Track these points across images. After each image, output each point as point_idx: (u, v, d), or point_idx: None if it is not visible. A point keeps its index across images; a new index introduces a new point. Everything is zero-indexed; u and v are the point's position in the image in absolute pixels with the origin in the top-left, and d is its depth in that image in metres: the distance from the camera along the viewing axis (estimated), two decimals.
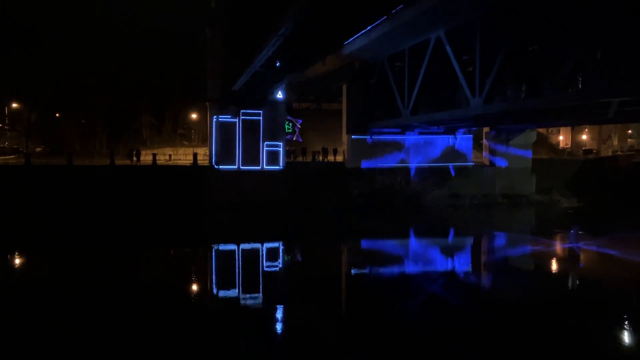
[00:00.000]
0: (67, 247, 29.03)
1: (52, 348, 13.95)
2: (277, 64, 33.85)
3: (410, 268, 25.68)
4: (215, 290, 21.17)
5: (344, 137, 47.02)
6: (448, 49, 31.42)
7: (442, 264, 26.99)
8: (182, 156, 56.44)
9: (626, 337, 15.46)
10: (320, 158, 49.69)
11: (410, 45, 36.51)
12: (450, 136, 47.51)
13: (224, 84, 44.33)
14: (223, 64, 44.38)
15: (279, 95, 45.40)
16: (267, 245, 31.07)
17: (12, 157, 57.11)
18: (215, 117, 45.11)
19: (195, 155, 47.41)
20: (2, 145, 68.69)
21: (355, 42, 37.56)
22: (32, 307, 17.56)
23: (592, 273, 24.87)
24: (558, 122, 44.40)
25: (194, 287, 21.52)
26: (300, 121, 58.45)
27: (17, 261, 26.48)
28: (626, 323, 16.48)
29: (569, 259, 28.17)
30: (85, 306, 17.56)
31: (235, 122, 44.84)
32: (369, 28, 34.47)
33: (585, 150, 64.41)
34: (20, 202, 39.54)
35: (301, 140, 57.37)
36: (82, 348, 13.87)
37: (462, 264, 27.21)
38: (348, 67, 43.84)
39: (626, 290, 20.74)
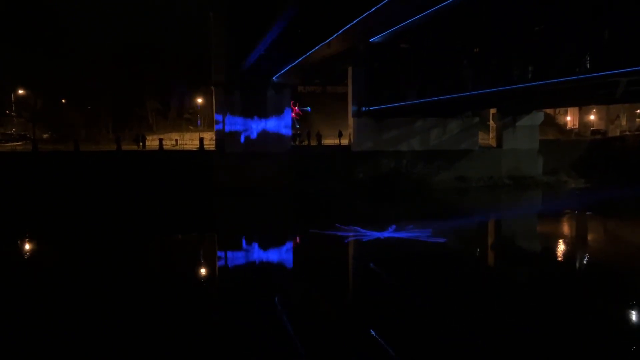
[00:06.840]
0: (76, 231, 29.41)
1: (68, 329, 14.26)
2: (282, 47, 33.73)
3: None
4: (223, 275, 21.45)
5: (350, 121, 46.87)
6: (454, 29, 31.10)
7: (446, 249, 27.03)
8: (189, 141, 56.61)
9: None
10: (315, 142, 49.47)
11: (416, 26, 36.13)
12: (456, 118, 47.19)
13: (228, 68, 44.23)
14: (227, 48, 44.24)
15: (284, 78, 45.25)
16: (273, 230, 31.20)
17: (19, 143, 57.51)
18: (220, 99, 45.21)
19: (201, 140, 47.50)
20: (9, 132, 69.09)
21: (359, 24, 37.18)
22: (45, 292, 17.88)
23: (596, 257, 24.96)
24: (565, 102, 44.04)
25: (202, 271, 21.80)
26: (310, 109, 58.59)
27: (28, 247, 26.86)
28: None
29: (575, 240, 28.23)
30: (98, 287, 17.87)
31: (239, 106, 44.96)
32: (373, 9, 34.08)
33: (593, 130, 63.73)
34: (29, 188, 39.96)
35: (304, 115, 57.54)
36: (103, 324, 14.18)
37: (466, 250, 27.30)
38: (353, 50, 43.47)
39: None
